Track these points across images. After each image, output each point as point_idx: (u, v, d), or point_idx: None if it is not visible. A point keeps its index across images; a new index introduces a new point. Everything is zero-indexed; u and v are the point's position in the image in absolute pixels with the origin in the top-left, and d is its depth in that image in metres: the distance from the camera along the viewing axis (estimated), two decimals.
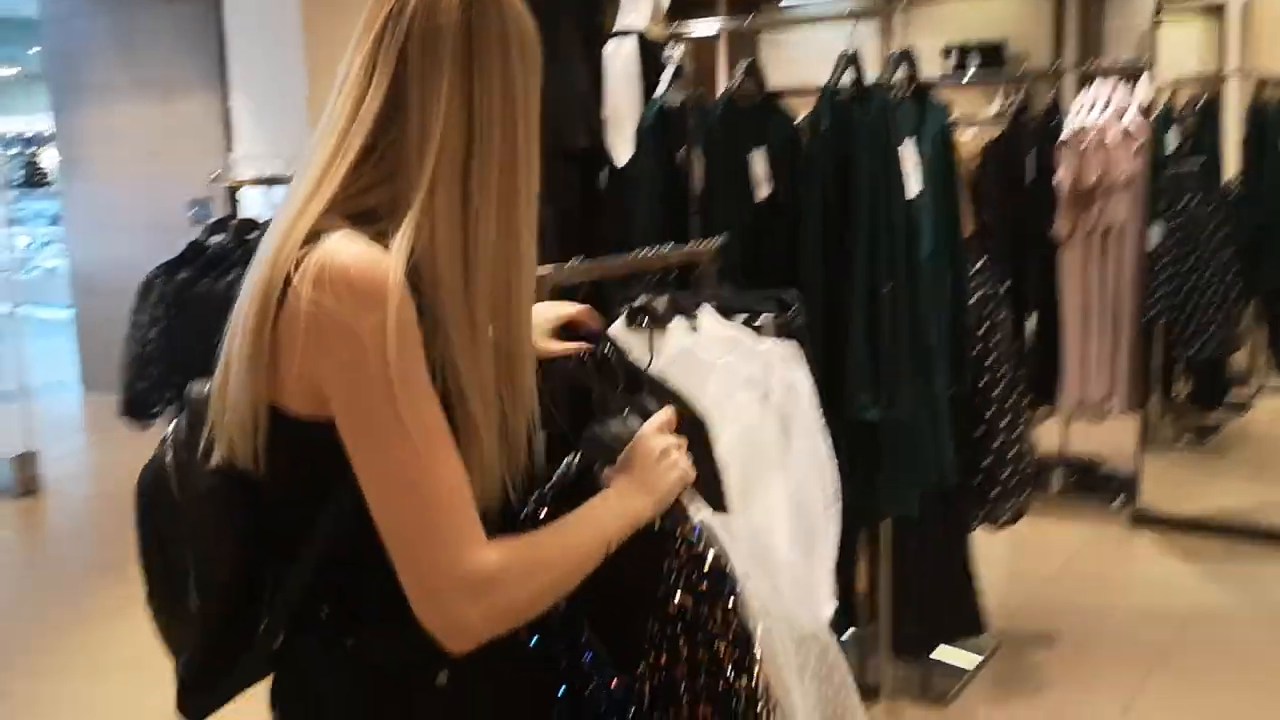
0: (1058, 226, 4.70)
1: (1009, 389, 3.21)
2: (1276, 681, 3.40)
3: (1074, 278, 4.73)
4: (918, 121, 2.74)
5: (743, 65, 2.87)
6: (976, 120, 5.70)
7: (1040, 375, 4.76)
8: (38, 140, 16.49)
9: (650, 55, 3.28)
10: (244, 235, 2.76)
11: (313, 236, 1.09)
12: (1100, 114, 4.57)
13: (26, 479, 5.80)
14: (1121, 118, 4.57)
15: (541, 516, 1.28)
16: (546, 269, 1.87)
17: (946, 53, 7.05)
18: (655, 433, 1.27)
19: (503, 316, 1.16)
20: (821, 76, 2.71)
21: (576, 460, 1.34)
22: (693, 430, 1.64)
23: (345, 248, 1.06)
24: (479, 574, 1.07)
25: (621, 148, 3.29)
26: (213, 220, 2.92)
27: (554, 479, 1.35)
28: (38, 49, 13.73)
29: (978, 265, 3.18)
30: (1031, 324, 4.89)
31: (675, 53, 3.04)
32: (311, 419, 1.09)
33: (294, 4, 6.14)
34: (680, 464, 1.26)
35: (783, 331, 2.13)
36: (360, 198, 1.12)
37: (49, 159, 14.86)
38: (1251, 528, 4.55)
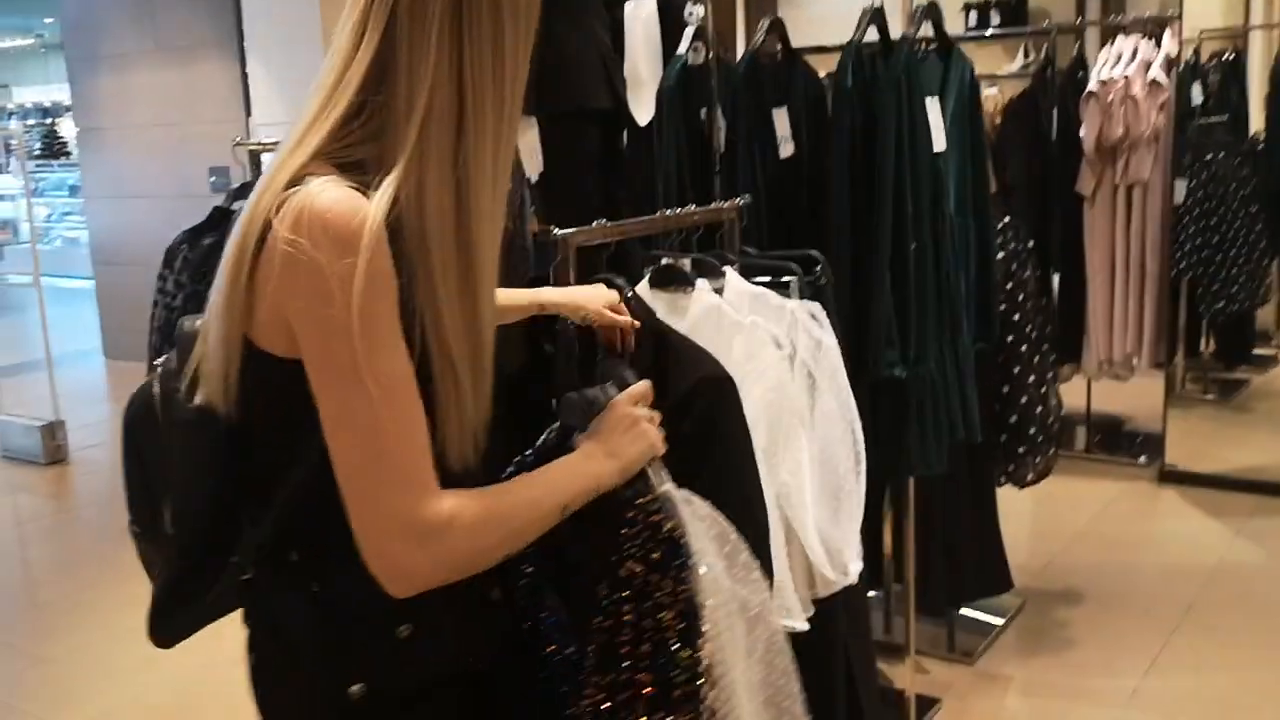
0: (1082, 182, 4.66)
1: (1036, 346, 3.20)
2: None
3: (1099, 234, 4.69)
4: (943, 77, 2.71)
5: (765, 23, 2.84)
6: (998, 76, 5.64)
7: (1065, 333, 4.73)
8: (55, 111, 16.53)
9: (671, 15, 3.24)
10: None
11: (297, 180, 1.10)
12: (1125, 67, 4.51)
13: (54, 447, 5.86)
14: (1147, 71, 4.51)
15: None
16: (569, 231, 1.87)
17: (967, 9, 6.97)
18: (627, 402, 1.29)
19: (489, 274, 1.17)
20: (840, 36, 2.68)
21: (557, 426, 1.35)
22: (721, 389, 1.64)
23: (326, 191, 1.07)
24: (426, 521, 1.08)
25: (643, 108, 3.26)
26: (236, 186, 2.91)
27: (537, 444, 1.37)
28: (51, 19, 13.77)
29: (1002, 223, 3.16)
30: (1055, 282, 4.86)
31: (697, 11, 3.00)
32: (286, 358, 1.11)
33: None
34: (649, 435, 1.27)
35: (808, 291, 2.13)
36: (348, 150, 1.13)
37: (67, 129, 14.89)
38: (1277, 483, 4.53)
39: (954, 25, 6.38)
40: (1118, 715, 3.02)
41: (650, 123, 3.00)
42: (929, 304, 2.58)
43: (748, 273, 2.08)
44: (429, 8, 1.11)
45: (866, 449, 2.08)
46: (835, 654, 2.22)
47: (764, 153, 2.79)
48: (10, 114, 17.73)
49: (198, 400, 1.18)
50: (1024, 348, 3.18)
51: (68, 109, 13.74)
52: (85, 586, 4.28)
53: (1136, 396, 5.23)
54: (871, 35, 2.66)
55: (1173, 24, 4.60)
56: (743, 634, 1.26)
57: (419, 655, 1.19)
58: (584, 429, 1.29)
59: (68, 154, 14.57)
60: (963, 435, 2.71)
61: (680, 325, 1.82)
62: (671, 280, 2.00)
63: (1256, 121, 5.18)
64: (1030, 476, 3.28)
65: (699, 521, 1.25)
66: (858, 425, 2.08)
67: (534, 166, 2.97)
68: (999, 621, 3.48)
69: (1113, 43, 4.71)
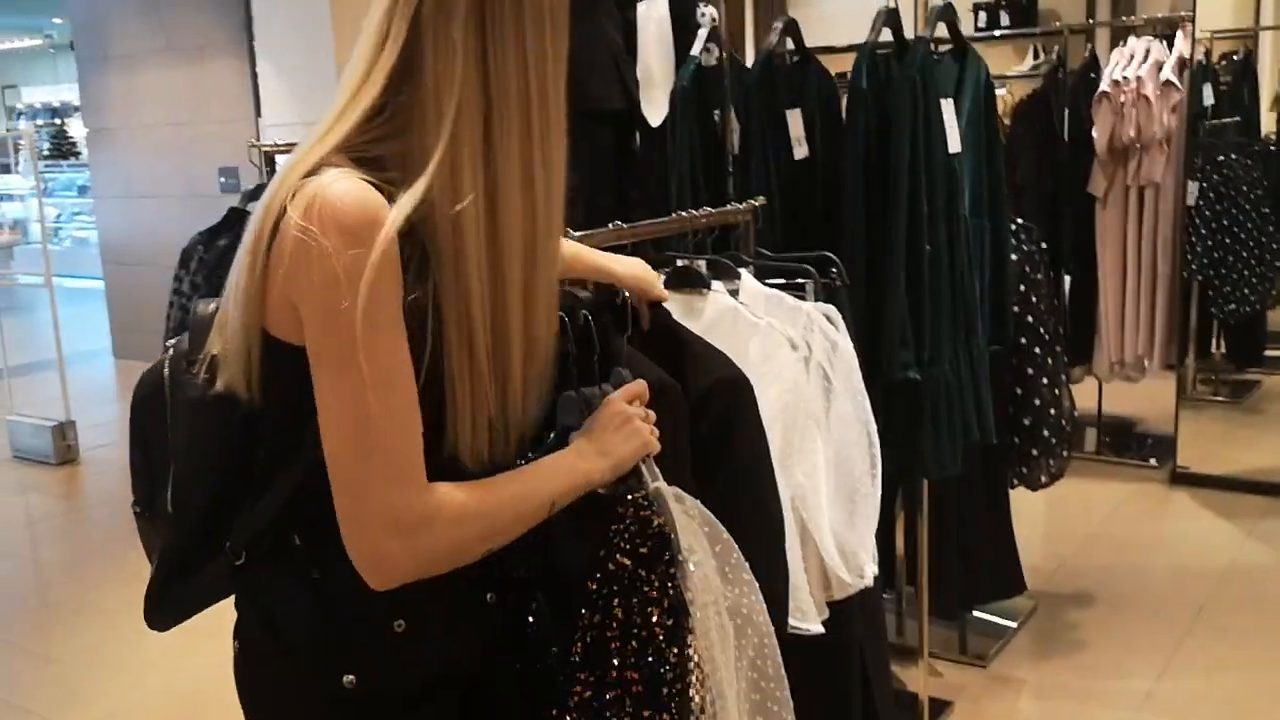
0: (1094, 184, 4.65)
1: (1048, 348, 3.19)
2: None
3: (1110, 235, 4.69)
4: (958, 78, 2.71)
5: (779, 24, 2.84)
6: (1007, 77, 5.64)
7: (1076, 334, 4.72)
8: (64, 111, 16.56)
9: (683, 15, 3.24)
10: None
11: (313, 172, 1.11)
12: (1138, 68, 4.50)
13: (65, 448, 5.87)
14: (1159, 72, 4.50)
15: None
16: (584, 233, 1.86)
17: (976, 9, 6.97)
18: (621, 400, 1.29)
19: (526, 277, 1.17)
20: (847, 36, 2.68)
21: (559, 428, 1.35)
22: (737, 390, 1.64)
23: (339, 182, 1.09)
24: (408, 514, 1.09)
25: (655, 108, 3.26)
26: (252, 187, 2.92)
27: (545, 442, 1.36)
28: (60, 20, 13.80)
29: (1015, 224, 3.15)
30: (1066, 283, 4.85)
31: (710, 12, 3.00)
32: (296, 345, 1.12)
33: None
34: (642, 433, 1.26)
35: (823, 293, 2.13)
36: (369, 146, 1.14)
37: (75, 129, 14.91)
38: None
39: (963, 26, 6.38)
40: (1131, 718, 3.01)
41: (663, 123, 3.00)
42: (944, 305, 2.57)
43: (763, 275, 2.08)
44: (453, 7, 1.12)
45: (880, 451, 2.08)
46: (851, 656, 2.22)
47: (777, 154, 2.79)
48: (19, 114, 17.77)
49: (218, 386, 1.19)
50: (1037, 349, 3.17)
51: (76, 109, 13.77)
52: (94, 587, 4.29)
53: (1147, 398, 5.23)
54: (885, 36, 2.65)
55: (1185, 25, 4.59)
56: (731, 636, 1.26)
57: (412, 651, 1.20)
58: (580, 427, 1.29)
59: (77, 154, 14.59)
60: (977, 437, 2.70)
61: (696, 327, 1.81)
62: (687, 282, 2.00)
63: (1267, 123, 5.16)
64: (1043, 479, 3.27)
65: (690, 520, 1.24)
66: (873, 428, 2.07)
67: None
68: (1011, 624, 3.48)
69: (1124, 43, 4.70)
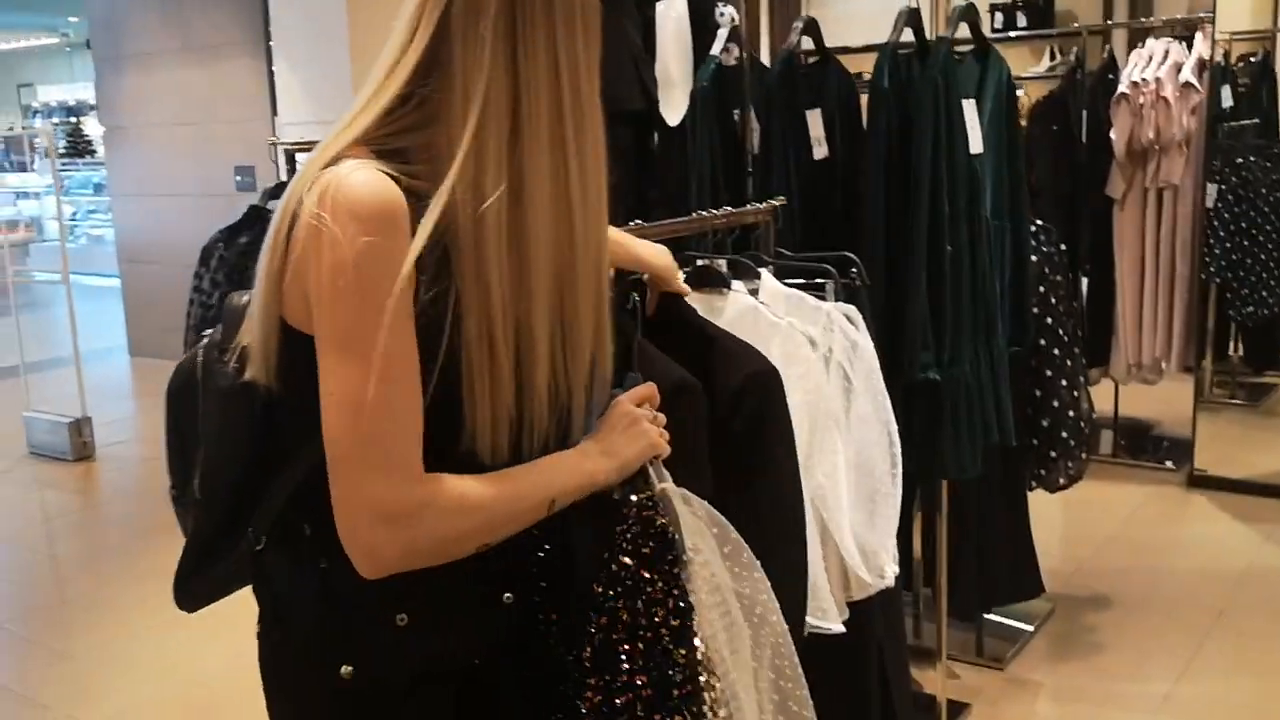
0: (1112, 185, 4.63)
1: (1067, 350, 3.18)
2: None
3: (1129, 237, 4.67)
4: (980, 78, 2.70)
5: (799, 24, 2.83)
6: (1024, 78, 5.61)
7: (1093, 336, 4.71)
8: (80, 109, 16.64)
9: (701, 15, 3.24)
10: None
11: (334, 161, 1.13)
12: (1157, 70, 4.48)
13: (81, 444, 5.89)
14: (1179, 73, 4.48)
15: None
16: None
17: (993, 10, 6.95)
18: (629, 401, 1.29)
19: (556, 275, 1.17)
20: (863, 36, 2.68)
21: None
22: (769, 384, 1.63)
23: (356, 172, 1.10)
24: (398, 504, 1.10)
25: (673, 108, 3.26)
26: (272, 185, 2.92)
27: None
28: (76, 18, 13.86)
29: (1034, 225, 3.14)
30: (1084, 285, 4.83)
31: (729, 12, 3.00)
32: (311, 334, 1.13)
33: None
34: (649, 434, 1.26)
35: (844, 293, 2.12)
36: (392, 138, 1.15)
37: (91, 128, 14.98)
38: None
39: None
40: None
41: (681, 123, 3.00)
42: (964, 306, 2.57)
43: (782, 274, 2.08)
44: (484, 3, 1.12)
45: (900, 451, 2.07)
46: (870, 655, 2.21)
47: (797, 154, 2.79)
48: (35, 112, 17.86)
49: (246, 376, 1.21)
50: (1056, 351, 3.16)
51: (92, 107, 13.83)
52: (110, 583, 4.31)
53: (1164, 400, 5.21)
54: (906, 36, 2.65)
55: (1204, 26, 4.57)
56: (747, 636, 1.25)
57: (413, 645, 1.20)
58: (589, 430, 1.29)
59: (92, 152, 14.66)
60: (997, 438, 2.69)
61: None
62: (708, 281, 1.99)
63: None
64: (1061, 481, 3.26)
65: (696, 520, 1.24)
66: (894, 428, 2.06)
67: None
68: (1028, 627, 3.46)
69: (1143, 45, 4.69)
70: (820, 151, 2.81)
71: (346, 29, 5.94)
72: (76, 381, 5.89)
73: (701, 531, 1.24)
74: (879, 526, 2.08)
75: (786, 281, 2.06)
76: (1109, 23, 6.11)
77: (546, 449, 1.22)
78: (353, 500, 1.10)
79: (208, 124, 7.75)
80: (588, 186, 1.18)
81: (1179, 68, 4.50)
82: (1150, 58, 4.54)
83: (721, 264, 2.02)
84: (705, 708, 1.16)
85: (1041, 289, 3.12)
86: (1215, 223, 4.56)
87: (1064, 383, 3.16)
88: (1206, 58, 4.54)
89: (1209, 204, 4.55)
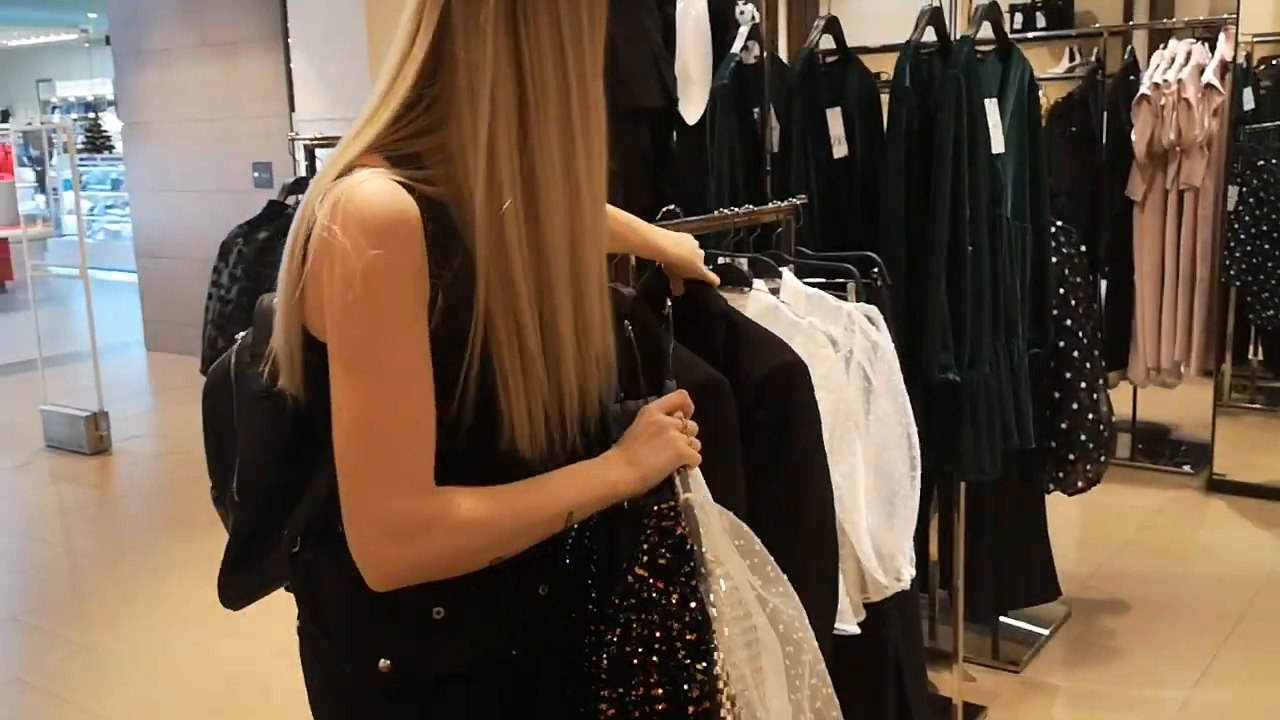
0: (1133, 187, 4.61)
1: (1087, 352, 3.16)
2: None
3: (1149, 239, 4.64)
4: (1002, 78, 2.68)
5: (820, 22, 2.82)
6: (1043, 79, 5.58)
7: (1112, 339, 4.68)
8: (98, 104, 16.72)
9: (721, 13, 3.23)
10: None
11: (347, 171, 1.12)
12: (1179, 71, 4.45)
13: (98, 438, 5.91)
14: (1201, 75, 4.46)
15: None
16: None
17: (1012, 10, 6.92)
18: (657, 410, 1.26)
19: (572, 266, 1.17)
20: (880, 35, 2.66)
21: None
22: (796, 376, 1.60)
23: (368, 182, 1.08)
24: (407, 520, 1.09)
25: (692, 106, 3.25)
26: (291, 180, 2.93)
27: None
28: (95, 14, 13.92)
29: (1054, 226, 3.12)
30: (1103, 287, 4.80)
31: (749, 10, 2.99)
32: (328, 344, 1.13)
33: None
34: (675, 444, 1.23)
35: (865, 293, 2.11)
36: (405, 143, 1.13)
37: (109, 123, 15.05)
38: None
39: None
40: None
41: (701, 121, 2.99)
42: (985, 307, 2.55)
43: (803, 274, 2.07)
44: None
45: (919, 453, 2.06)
46: (886, 657, 2.20)
47: (817, 153, 2.78)
48: (54, 108, 17.95)
49: (279, 384, 1.21)
50: (1075, 353, 3.14)
51: (110, 103, 13.90)
52: (127, 576, 4.32)
53: (1183, 404, 5.18)
54: (928, 35, 2.63)
55: (1227, 28, 4.54)
56: (778, 652, 1.22)
57: (450, 639, 1.19)
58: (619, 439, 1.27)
59: (111, 148, 14.72)
60: (1016, 441, 2.68)
61: None
62: (729, 279, 1.98)
63: None
64: (1080, 484, 3.24)
65: (721, 532, 1.21)
66: (913, 430, 2.05)
67: None
68: (1044, 630, 3.44)
69: (1165, 46, 4.66)
70: (840, 150, 2.79)
71: (364, 25, 5.95)
72: (94, 376, 5.91)
73: (724, 543, 1.21)
74: (897, 528, 2.07)
75: (807, 281, 2.05)
76: (1130, 24, 6.08)
77: (576, 445, 1.21)
78: (361, 515, 1.10)
79: (226, 120, 7.77)
80: (594, 177, 1.17)
81: (1201, 69, 4.47)
82: (1173, 59, 4.51)
83: (743, 263, 2.02)
84: None
85: (1061, 291, 3.10)
86: (1236, 225, 4.53)
87: (1083, 385, 3.14)
88: (1229, 59, 4.51)
89: (1230, 207, 4.52)
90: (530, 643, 1.26)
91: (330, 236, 1.07)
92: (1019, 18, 6.92)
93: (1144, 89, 4.49)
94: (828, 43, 2.86)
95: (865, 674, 2.14)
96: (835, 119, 2.80)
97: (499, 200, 1.11)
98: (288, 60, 6.96)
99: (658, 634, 1.14)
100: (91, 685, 3.51)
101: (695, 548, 1.17)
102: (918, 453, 2.05)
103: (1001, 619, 3.38)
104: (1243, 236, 4.54)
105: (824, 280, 2.09)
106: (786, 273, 2.02)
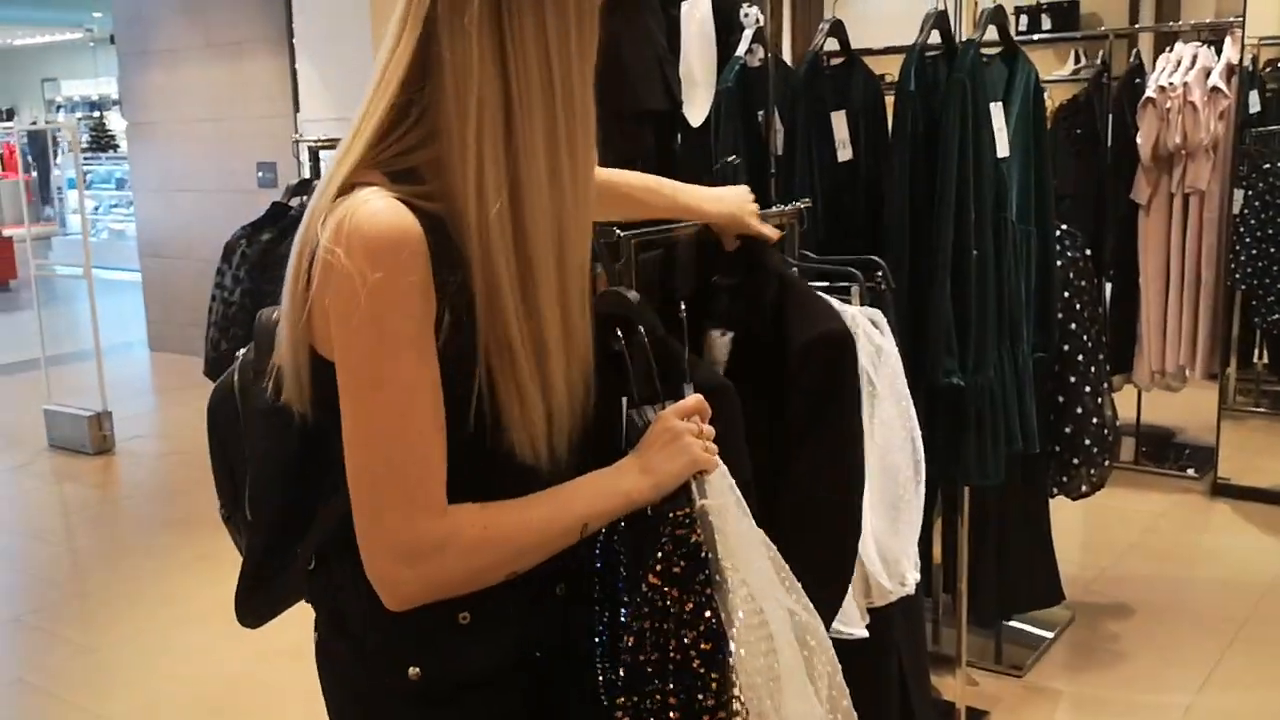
0: (1138, 190, 4.60)
1: (1091, 356, 3.15)
2: None
3: (1154, 243, 4.63)
4: (1007, 81, 2.68)
5: (825, 25, 2.81)
6: (1048, 81, 5.57)
7: (1116, 342, 4.67)
8: (103, 104, 16.74)
9: (726, 15, 3.23)
10: None
11: (347, 189, 1.11)
12: (1185, 74, 4.44)
13: (101, 438, 5.92)
14: (1207, 78, 4.45)
15: None
16: (631, 232, 1.85)
17: (1017, 12, 6.91)
18: (670, 417, 1.24)
19: (559, 274, 1.15)
20: (882, 38, 2.66)
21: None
22: (843, 347, 1.57)
23: (369, 202, 1.07)
24: (419, 542, 1.09)
25: (696, 108, 3.25)
26: (296, 182, 2.92)
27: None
28: (100, 14, 13.94)
29: (1059, 230, 3.11)
30: (1108, 290, 4.79)
31: (754, 13, 2.98)
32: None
33: None
34: (691, 450, 1.21)
35: (869, 297, 2.10)
36: (403, 158, 1.12)
37: (114, 122, 15.06)
38: None
39: None
40: None
41: (705, 124, 2.99)
42: (989, 311, 2.55)
43: (807, 277, 2.06)
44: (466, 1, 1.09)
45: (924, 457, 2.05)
46: (889, 661, 2.20)
47: (821, 156, 2.77)
48: (58, 107, 17.98)
49: (282, 399, 1.20)
50: (1080, 357, 3.13)
51: (115, 102, 13.91)
52: (130, 577, 4.32)
53: (1187, 408, 5.16)
54: (933, 38, 2.63)
55: (1233, 31, 4.53)
56: (795, 662, 1.21)
57: (477, 643, 1.19)
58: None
59: (115, 147, 14.74)
60: (1020, 445, 2.67)
61: None
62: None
63: None
64: (1084, 488, 3.23)
65: (739, 537, 1.20)
66: (918, 434, 2.05)
67: None
68: (1048, 634, 3.44)
69: (1170, 49, 4.65)
70: (845, 154, 2.79)
71: (369, 26, 5.95)
72: (97, 375, 5.91)
73: (742, 549, 1.20)
74: (901, 533, 2.06)
75: (811, 284, 2.04)
76: (1135, 26, 6.07)
77: (577, 450, 1.21)
78: (374, 538, 1.10)
79: (230, 120, 7.78)
80: (580, 182, 1.15)
81: (1207, 72, 4.46)
82: (1178, 62, 4.50)
83: None
84: None
85: (1066, 294, 3.09)
86: (1241, 229, 4.52)
87: (1088, 389, 3.13)
88: (1235, 62, 4.50)
89: (1235, 210, 4.51)
90: (551, 644, 1.26)
91: (334, 259, 1.06)
92: (1024, 20, 6.90)
93: (1149, 92, 4.48)
94: (832, 45, 2.85)
95: (869, 678, 2.13)
96: (840, 122, 2.79)
97: (486, 207, 1.09)
98: (292, 61, 6.95)
99: (671, 643, 1.13)
100: (93, 686, 3.51)
101: (710, 555, 1.16)
102: (922, 457, 2.04)
103: (1005, 623, 3.37)
104: (1248, 240, 4.53)
105: (828, 284, 2.08)
106: None
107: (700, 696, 1.12)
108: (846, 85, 2.83)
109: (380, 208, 1.07)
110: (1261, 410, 5.36)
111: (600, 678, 1.21)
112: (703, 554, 1.15)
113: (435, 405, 1.09)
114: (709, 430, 1.25)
